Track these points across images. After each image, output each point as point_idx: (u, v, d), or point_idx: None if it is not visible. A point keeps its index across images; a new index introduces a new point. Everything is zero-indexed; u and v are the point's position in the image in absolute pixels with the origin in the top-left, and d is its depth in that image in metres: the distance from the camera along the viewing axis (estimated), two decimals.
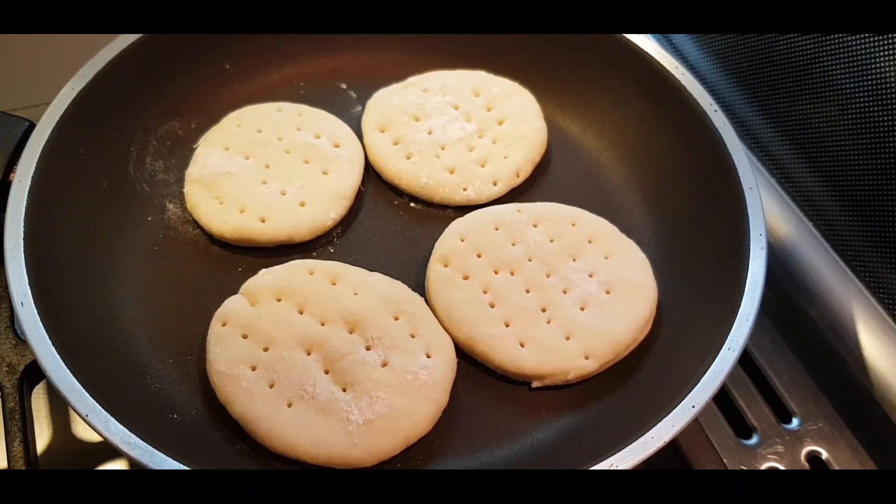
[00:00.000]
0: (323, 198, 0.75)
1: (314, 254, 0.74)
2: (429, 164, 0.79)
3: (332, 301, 0.67)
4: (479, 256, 0.71)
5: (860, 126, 0.76)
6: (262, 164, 0.77)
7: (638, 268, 0.72)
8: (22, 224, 0.64)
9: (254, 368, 0.63)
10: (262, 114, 0.81)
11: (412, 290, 0.70)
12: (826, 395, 0.78)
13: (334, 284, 0.68)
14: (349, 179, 0.77)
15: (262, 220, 0.73)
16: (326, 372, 0.63)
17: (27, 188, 0.66)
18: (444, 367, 0.65)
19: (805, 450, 0.75)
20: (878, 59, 0.73)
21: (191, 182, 0.76)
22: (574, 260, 0.72)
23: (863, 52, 0.74)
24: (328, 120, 0.82)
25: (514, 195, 0.80)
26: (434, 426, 0.63)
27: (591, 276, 0.71)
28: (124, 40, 0.76)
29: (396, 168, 0.79)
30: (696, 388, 0.59)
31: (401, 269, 0.73)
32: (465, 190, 0.78)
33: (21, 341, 0.69)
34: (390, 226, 0.78)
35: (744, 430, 0.76)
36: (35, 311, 0.59)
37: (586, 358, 0.66)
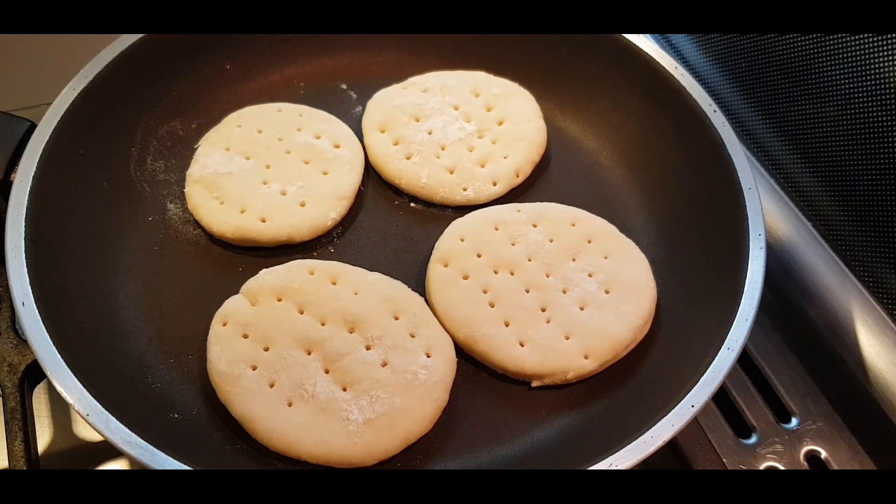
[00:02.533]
0: (323, 198, 0.75)
1: (314, 254, 0.75)
2: (429, 164, 0.79)
3: (332, 301, 0.67)
4: (478, 256, 0.71)
5: (859, 126, 0.76)
6: (262, 164, 0.77)
7: (637, 267, 0.72)
8: (23, 224, 0.64)
9: (254, 368, 0.63)
10: (262, 114, 0.81)
11: (412, 290, 0.70)
12: (825, 394, 0.78)
13: (334, 284, 0.68)
14: (349, 179, 0.78)
15: (263, 220, 0.73)
16: (327, 371, 0.64)
17: (28, 188, 0.66)
18: (443, 366, 0.65)
19: (804, 449, 0.75)
20: (877, 60, 0.73)
21: (192, 182, 0.76)
22: (574, 260, 0.72)
23: (862, 52, 0.74)
24: (328, 120, 0.82)
25: (514, 195, 0.80)
26: (434, 426, 0.63)
27: (590, 275, 0.71)
28: (125, 40, 0.76)
29: (397, 168, 0.79)
30: (695, 388, 0.59)
31: (401, 269, 0.73)
32: (465, 190, 0.78)
33: (22, 341, 0.69)
34: (390, 226, 0.78)
35: (743, 429, 0.76)
36: (36, 310, 0.59)
37: (586, 357, 0.66)
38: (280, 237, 0.73)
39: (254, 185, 0.76)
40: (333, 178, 0.77)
